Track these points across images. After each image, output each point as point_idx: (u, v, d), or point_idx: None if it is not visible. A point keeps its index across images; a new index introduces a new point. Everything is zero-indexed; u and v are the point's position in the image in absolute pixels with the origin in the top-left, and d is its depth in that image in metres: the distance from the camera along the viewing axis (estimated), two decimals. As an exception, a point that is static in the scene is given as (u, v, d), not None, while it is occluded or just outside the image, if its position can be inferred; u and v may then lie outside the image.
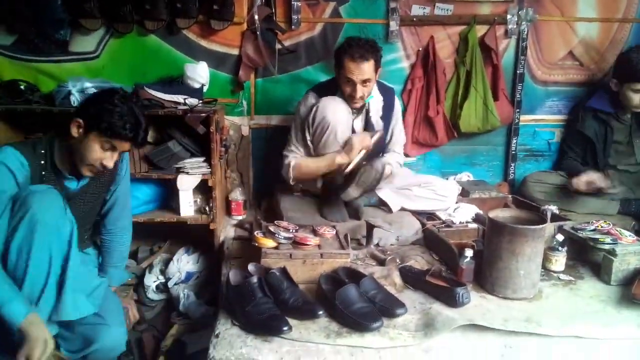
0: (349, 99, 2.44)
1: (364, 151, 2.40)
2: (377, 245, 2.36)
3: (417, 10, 2.87)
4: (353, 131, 2.53)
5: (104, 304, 1.83)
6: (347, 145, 2.40)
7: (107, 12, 2.61)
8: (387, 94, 2.63)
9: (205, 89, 2.65)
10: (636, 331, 1.71)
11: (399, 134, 2.75)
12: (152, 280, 2.56)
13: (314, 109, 2.42)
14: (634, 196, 2.75)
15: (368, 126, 2.58)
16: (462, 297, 1.80)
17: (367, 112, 2.56)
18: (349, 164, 2.38)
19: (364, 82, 2.38)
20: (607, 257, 2.04)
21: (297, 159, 2.53)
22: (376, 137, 2.45)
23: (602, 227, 2.21)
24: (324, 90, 2.52)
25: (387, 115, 2.62)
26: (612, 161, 2.81)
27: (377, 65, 2.42)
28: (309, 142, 2.49)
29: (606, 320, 1.76)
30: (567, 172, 2.81)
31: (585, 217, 2.47)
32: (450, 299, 1.81)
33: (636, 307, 1.82)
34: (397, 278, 2.02)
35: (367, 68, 2.35)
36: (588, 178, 2.59)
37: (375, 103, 2.57)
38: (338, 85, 2.48)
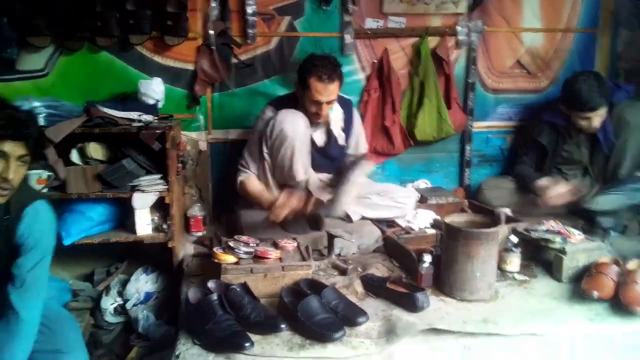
0: (313, 117, 2.46)
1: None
2: (339, 255, 2.37)
3: (370, 24, 2.94)
4: (314, 144, 2.56)
5: (58, 331, 1.75)
6: (277, 201, 2.35)
7: (56, 30, 2.55)
8: (345, 106, 2.67)
9: (160, 105, 2.62)
10: (588, 325, 1.78)
11: (363, 144, 2.80)
12: (109, 303, 2.49)
13: (272, 122, 2.41)
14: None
15: (330, 138, 2.61)
16: (422, 302, 1.83)
17: (328, 124, 2.59)
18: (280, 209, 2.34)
19: (330, 102, 2.42)
20: (558, 255, 2.12)
21: (245, 177, 2.54)
22: (311, 203, 2.37)
23: (553, 227, 2.29)
24: (282, 103, 2.52)
25: (347, 127, 2.66)
26: (558, 165, 2.92)
27: (341, 84, 2.46)
28: (265, 156, 2.47)
29: (559, 317, 1.83)
30: (521, 180, 2.89)
31: (538, 219, 2.55)
32: (410, 305, 1.83)
33: (587, 302, 1.89)
34: (358, 287, 2.03)
35: (334, 89, 2.39)
36: (558, 193, 2.65)
37: (336, 115, 2.60)
38: (300, 101, 2.48)
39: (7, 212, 1.65)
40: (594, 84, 2.59)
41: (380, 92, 2.99)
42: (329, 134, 2.61)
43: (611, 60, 3.23)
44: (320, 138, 2.61)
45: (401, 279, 2.02)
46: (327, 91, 2.37)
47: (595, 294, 1.87)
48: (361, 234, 2.47)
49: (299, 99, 2.49)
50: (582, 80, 2.61)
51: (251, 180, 2.54)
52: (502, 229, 2.28)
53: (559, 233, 2.22)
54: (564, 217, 2.62)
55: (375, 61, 2.98)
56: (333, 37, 2.92)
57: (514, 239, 2.18)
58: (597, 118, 2.63)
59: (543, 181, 2.72)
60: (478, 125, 3.18)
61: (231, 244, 2.10)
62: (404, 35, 2.98)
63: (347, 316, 1.76)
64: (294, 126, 2.38)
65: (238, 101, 2.90)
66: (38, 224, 1.68)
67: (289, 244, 2.21)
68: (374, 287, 2.01)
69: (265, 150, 2.46)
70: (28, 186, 1.76)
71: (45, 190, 2.28)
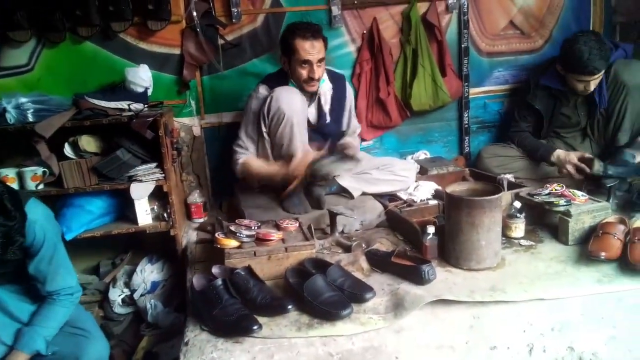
0: (307, 82, 2.42)
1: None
2: (342, 232, 2.36)
3: (357, -7, 2.86)
4: (307, 121, 2.51)
5: (77, 322, 1.84)
6: (291, 161, 2.37)
7: (36, 23, 2.49)
8: (337, 81, 2.61)
9: (149, 92, 2.57)
10: (597, 287, 1.77)
11: (355, 122, 2.78)
12: (117, 294, 2.50)
13: (268, 100, 2.37)
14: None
15: (320, 113, 2.57)
16: (428, 274, 1.82)
17: (319, 99, 2.54)
18: (292, 179, 2.37)
19: (320, 61, 2.38)
20: (562, 218, 2.10)
21: (245, 157, 2.50)
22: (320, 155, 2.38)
23: (556, 190, 2.27)
24: (274, 81, 2.48)
25: (340, 103, 2.61)
26: (556, 128, 2.87)
27: (326, 46, 2.42)
28: (264, 134, 2.44)
29: (567, 280, 1.82)
30: (529, 152, 2.83)
31: (541, 183, 2.53)
32: (417, 277, 1.83)
33: (594, 263, 1.88)
34: (364, 263, 2.02)
35: (320, 46, 2.37)
36: (575, 164, 2.58)
37: (326, 90, 2.55)
38: (290, 74, 2.45)
39: None
40: (595, 46, 2.46)
41: (372, 64, 2.93)
42: (320, 110, 2.57)
43: (606, 15, 3.15)
44: (312, 115, 2.57)
45: (406, 253, 2.01)
46: (314, 49, 2.34)
47: (603, 254, 1.85)
48: (363, 210, 2.45)
49: (288, 72, 2.45)
50: (583, 41, 2.48)
51: (252, 159, 2.50)
52: (505, 196, 2.26)
53: (562, 195, 2.20)
54: (566, 179, 2.60)
55: (365, 32, 2.91)
56: (320, 10, 2.85)
57: (518, 204, 2.16)
58: (594, 82, 2.57)
59: (559, 153, 2.65)
60: (474, 91, 3.13)
61: (233, 228, 2.08)
62: (392, 3, 2.91)
63: (354, 293, 1.75)
64: (291, 103, 2.35)
65: (228, 83, 2.84)
66: (37, 225, 1.70)
67: (291, 225, 2.20)
68: (379, 262, 2.00)
69: (264, 129, 2.42)
70: (15, 192, 1.74)
71: (41, 187, 2.26)
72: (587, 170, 2.50)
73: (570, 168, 2.58)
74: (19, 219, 1.56)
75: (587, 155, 2.59)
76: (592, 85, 2.58)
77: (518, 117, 2.95)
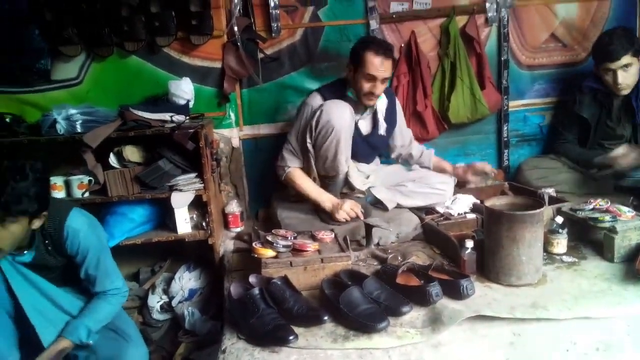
0: (367, 96, 2.41)
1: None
2: (378, 244, 2.35)
3: (395, 7, 2.88)
4: (359, 132, 2.53)
5: (118, 326, 1.92)
6: (341, 203, 2.40)
7: (86, 37, 2.60)
8: (389, 94, 2.64)
9: (191, 104, 2.64)
10: (644, 306, 1.70)
11: (407, 129, 2.79)
12: (155, 301, 2.55)
13: (318, 112, 2.36)
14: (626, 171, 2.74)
15: (374, 127, 2.58)
16: (467, 289, 1.78)
17: (375, 113, 2.56)
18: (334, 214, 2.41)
19: (384, 80, 2.40)
20: (608, 235, 2.03)
21: (294, 167, 2.50)
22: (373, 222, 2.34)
23: (600, 205, 2.20)
24: (329, 91, 2.48)
25: (392, 117, 2.63)
26: (601, 140, 2.80)
27: (395, 67, 2.43)
28: (308, 146, 2.42)
29: (613, 299, 1.75)
30: (576, 159, 2.79)
31: (583, 198, 2.46)
32: (455, 292, 1.80)
33: (641, 282, 1.81)
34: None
35: (389, 66, 2.38)
36: (622, 154, 2.57)
37: (382, 104, 2.57)
38: (352, 83, 2.45)
39: (46, 237, 1.77)
40: (619, 33, 2.53)
41: (410, 77, 2.93)
42: (375, 122, 2.58)
43: (654, 26, 3.07)
44: (365, 126, 2.58)
45: (443, 267, 1.98)
46: (383, 66, 2.34)
47: (651, 273, 1.78)
48: (399, 222, 2.43)
49: (350, 81, 2.46)
50: (608, 32, 2.58)
51: (301, 174, 2.50)
52: (547, 210, 2.21)
53: (607, 211, 2.13)
54: (611, 194, 2.52)
55: (403, 45, 2.91)
56: (358, 24, 2.87)
57: (560, 219, 2.10)
58: (620, 72, 2.52)
59: (617, 151, 2.60)
60: (514, 104, 3.08)
61: (269, 238, 2.11)
62: (430, 16, 2.91)
63: (390, 306, 1.74)
64: (340, 118, 2.34)
65: (267, 96, 2.89)
66: (81, 233, 1.79)
67: (327, 236, 2.21)
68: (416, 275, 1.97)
69: (308, 140, 2.42)
70: (57, 201, 1.85)
71: (86, 195, 2.35)
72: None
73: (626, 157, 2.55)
74: (32, 184, 1.58)
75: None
76: (620, 77, 2.54)
77: (563, 129, 2.90)
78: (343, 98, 2.43)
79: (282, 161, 2.53)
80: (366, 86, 2.39)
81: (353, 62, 2.42)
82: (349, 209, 2.38)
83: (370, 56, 2.33)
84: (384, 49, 2.35)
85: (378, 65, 2.33)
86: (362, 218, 2.36)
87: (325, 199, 2.45)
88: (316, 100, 2.46)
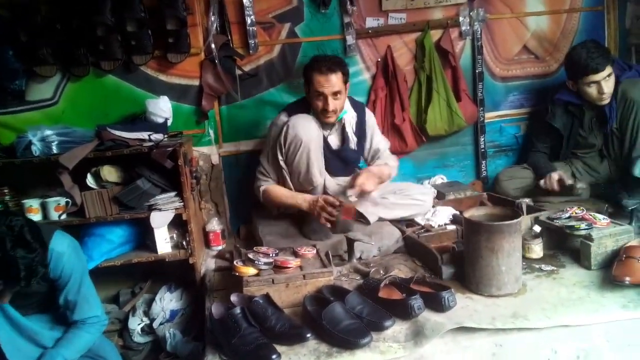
0: (322, 113, 2.45)
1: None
2: (360, 258, 2.35)
3: (371, 23, 2.92)
4: (329, 147, 2.55)
5: (100, 350, 1.88)
6: (310, 190, 2.42)
7: (61, 58, 2.59)
8: (358, 108, 2.65)
9: (169, 122, 2.63)
10: (621, 312, 1.73)
11: (381, 141, 2.76)
12: (136, 323, 2.51)
13: (284, 128, 2.41)
14: (598, 180, 2.81)
15: (344, 141, 2.60)
16: (448, 301, 1.79)
17: (343, 127, 2.57)
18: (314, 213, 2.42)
19: (335, 94, 2.41)
20: (584, 242, 2.06)
21: (267, 185, 2.55)
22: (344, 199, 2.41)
23: (576, 213, 2.23)
24: (295, 109, 2.52)
25: (361, 131, 2.64)
26: (574, 149, 2.87)
27: (345, 79, 2.46)
28: (281, 163, 2.47)
29: (591, 306, 1.77)
30: (534, 171, 2.85)
31: (560, 206, 2.50)
32: (437, 304, 1.80)
33: (618, 288, 1.84)
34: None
35: (335, 80, 2.39)
36: (558, 177, 2.64)
37: (350, 118, 2.59)
38: (310, 103, 2.49)
39: None
40: (592, 45, 2.59)
41: (387, 91, 2.96)
42: (344, 137, 2.59)
43: (621, 37, 3.16)
44: (334, 141, 2.60)
45: (425, 279, 1.99)
46: (328, 82, 2.38)
47: (627, 279, 1.81)
48: (381, 236, 2.44)
49: (308, 101, 2.49)
50: (580, 46, 2.64)
51: (274, 187, 2.55)
52: (524, 220, 2.24)
53: (583, 219, 2.17)
54: (586, 202, 2.57)
55: (380, 60, 2.95)
56: (335, 40, 2.91)
57: (538, 228, 2.14)
58: (604, 82, 2.58)
59: (557, 174, 2.68)
60: (490, 115, 3.14)
61: (251, 255, 2.09)
62: (405, 31, 2.96)
63: (373, 320, 1.73)
64: (307, 129, 2.39)
65: (246, 112, 2.90)
66: (64, 257, 1.73)
67: (309, 252, 2.20)
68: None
69: (280, 157, 2.46)
70: (40, 225, 1.78)
71: (63, 217, 2.30)
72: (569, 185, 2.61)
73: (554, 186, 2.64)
74: (40, 251, 1.58)
75: (568, 181, 2.63)
76: (605, 87, 2.59)
77: (535, 139, 2.96)
78: (308, 113, 2.48)
79: (256, 183, 2.57)
80: (318, 104, 2.44)
81: (305, 82, 2.48)
82: (323, 205, 2.37)
83: (314, 74, 2.39)
84: (328, 64, 2.39)
85: (323, 82, 2.38)
86: (337, 203, 2.36)
87: (301, 200, 2.47)
88: (282, 118, 2.50)
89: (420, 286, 1.93)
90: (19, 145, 2.31)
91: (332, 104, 2.42)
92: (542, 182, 2.69)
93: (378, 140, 2.75)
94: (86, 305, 1.81)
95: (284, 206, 2.57)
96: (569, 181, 2.62)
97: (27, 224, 1.59)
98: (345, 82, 2.46)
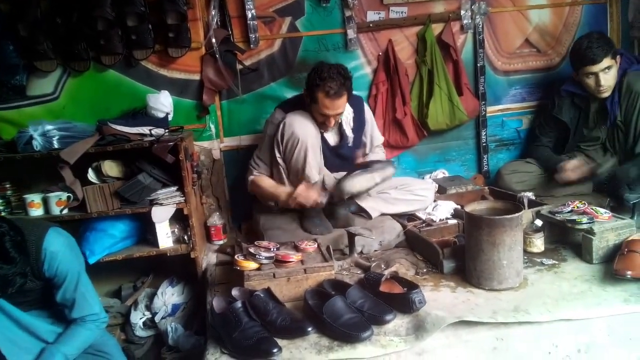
0: (320, 126, 2.46)
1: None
2: (361, 253, 2.36)
3: (372, 16, 2.91)
4: (326, 144, 2.54)
5: (102, 344, 1.87)
6: (295, 193, 2.39)
7: (61, 52, 2.58)
8: (356, 104, 2.64)
9: (170, 117, 2.63)
10: (622, 306, 1.73)
11: (379, 135, 2.79)
12: (138, 317, 2.52)
13: (281, 125, 2.41)
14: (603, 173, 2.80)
15: (342, 138, 2.59)
16: (417, 303, 1.75)
17: (340, 124, 2.57)
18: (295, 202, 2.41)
19: (338, 114, 2.42)
20: (586, 236, 2.06)
21: (255, 176, 2.56)
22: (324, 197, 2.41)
23: (578, 207, 2.23)
24: (291, 106, 2.51)
25: (359, 125, 2.63)
26: (579, 142, 2.86)
27: (350, 95, 2.43)
28: (279, 160, 2.46)
29: (592, 300, 1.77)
30: (543, 164, 2.85)
31: (562, 200, 2.50)
32: (405, 306, 1.76)
33: (620, 282, 1.84)
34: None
35: (341, 103, 2.38)
36: (574, 166, 2.64)
37: (347, 114, 2.58)
38: (307, 105, 2.46)
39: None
40: (595, 37, 2.59)
41: (388, 85, 2.95)
42: (341, 133, 2.59)
43: (624, 31, 3.14)
44: (332, 137, 2.60)
45: (398, 276, 1.96)
46: (334, 106, 2.36)
47: (629, 273, 1.81)
48: (382, 230, 2.44)
49: (308, 106, 2.47)
50: (585, 37, 2.64)
51: (262, 178, 2.55)
52: (526, 214, 2.23)
53: (584, 213, 2.16)
54: (588, 196, 2.56)
55: (381, 54, 2.94)
56: (336, 34, 2.89)
57: (539, 222, 2.13)
58: (602, 74, 2.58)
59: (568, 163, 2.67)
60: (492, 109, 3.13)
61: (252, 250, 2.09)
62: (407, 24, 2.94)
63: (374, 315, 1.74)
64: (303, 128, 2.38)
65: (247, 107, 2.89)
66: (59, 256, 1.72)
67: (310, 246, 2.20)
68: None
69: (278, 155, 2.46)
70: (32, 222, 1.79)
71: (65, 212, 2.31)
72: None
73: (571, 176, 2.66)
74: (20, 260, 1.55)
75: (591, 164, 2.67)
76: (603, 80, 2.59)
77: (539, 132, 2.96)
78: (304, 109, 2.46)
79: (247, 174, 2.59)
80: (320, 119, 2.43)
81: (308, 94, 2.42)
82: (304, 194, 2.37)
83: (321, 97, 2.34)
84: (336, 87, 2.30)
85: (329, 105, 2.35)
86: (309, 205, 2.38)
87: (281, 191, 2.47)
88: (277, 116, 2.49)
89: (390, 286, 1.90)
90: (20, 140, 2.31)
91: (332, 122, 2.43)
92: (560, 174, 2.67)
93: (377, 134, 2.77)
94: (84, 303, 1.79)
95: (266, 197, 2.57)
96: (591, 164, 2.62)
97: (10, 231, 1.56)
98: (349, 98, 2.44)
